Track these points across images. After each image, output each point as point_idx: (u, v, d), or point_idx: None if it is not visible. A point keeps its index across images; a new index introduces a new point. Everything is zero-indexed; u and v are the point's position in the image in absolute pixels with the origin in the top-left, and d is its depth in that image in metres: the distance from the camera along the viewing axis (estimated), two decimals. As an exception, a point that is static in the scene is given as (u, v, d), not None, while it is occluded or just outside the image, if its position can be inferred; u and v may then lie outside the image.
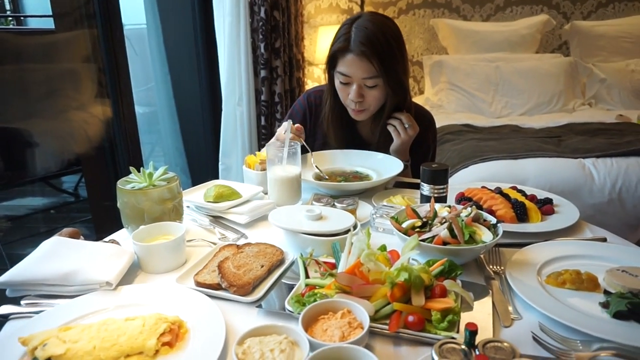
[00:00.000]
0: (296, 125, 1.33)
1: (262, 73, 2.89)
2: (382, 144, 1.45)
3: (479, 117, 3.28)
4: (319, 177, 1.34)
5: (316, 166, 1.35)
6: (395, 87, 1.32)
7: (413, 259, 0.87)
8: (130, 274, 0.89)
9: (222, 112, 2.89)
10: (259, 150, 1.37)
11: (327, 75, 1.40)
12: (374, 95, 1.33)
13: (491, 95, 3.38)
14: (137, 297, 0.80)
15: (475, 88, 3.40)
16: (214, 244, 1.01)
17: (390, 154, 1.43)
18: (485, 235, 0.90)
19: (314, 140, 1.53)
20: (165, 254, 0.90)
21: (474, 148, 2.50)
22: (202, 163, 3.20)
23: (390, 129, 1.39)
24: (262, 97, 2.94)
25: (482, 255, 0.94)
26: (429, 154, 1.53)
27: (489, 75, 3.43)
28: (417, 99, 3.34)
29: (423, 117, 1.48)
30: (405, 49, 1.31)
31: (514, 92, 3.37)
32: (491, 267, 0.91)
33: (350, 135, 1.50)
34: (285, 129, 1.27)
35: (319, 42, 3.37)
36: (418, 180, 1.21)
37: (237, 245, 0.96)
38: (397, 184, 1.40)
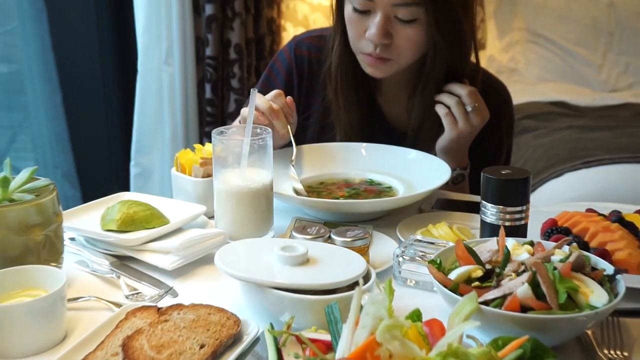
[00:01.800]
0: (285, 98, 1.32)
1: (208, 9, 2.90)
2: (422, 134, 1.46)
3: (579, 90, 3.31)
4: (305, 190, 1.35)
5: (292, 170, 1.36)
6: (448, 30, 1.34)
7: (468, 336, 0.86)
8: (-33, 359, 0.88)
9: (138, 77, 2.89)
10: (201, 142, 1.37)
11: (334, 6, 1.43)
12: (409, 37, 1.35)
13: (601, 53, 3.42)
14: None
15: (574, 41, 3.44)
16: (118, 305, 1.00)
17: (432, 153, 1.44)
18: (595, 296, 0.89)
19: (305, 123, 1.54)
20: (29, 322, 0.89)
21: (571, 143, 2.51)
22: (100, 164, 3.19)
23: (440, 110, 1.40)
24: (208, 51, 2.94)
25: (590, 331, 0.93)
26: (500, 156, 1.55)
27: (597, 19, 3.48)
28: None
29: (494, 95, 1.50)
30: None
31: (640, 49, 3.42)
32: (607, 351, 0.90)
33: (369, 116, 1.52)
34: (270, 95, 1.28)
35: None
36: (477, 198, 1.21)
37: (159, 309, 0.95)
38: (441, 204, 1.40)
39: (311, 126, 1.56)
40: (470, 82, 1.42)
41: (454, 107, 1.38)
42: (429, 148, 1.45)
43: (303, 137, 1.55)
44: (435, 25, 1.32)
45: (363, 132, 1.51)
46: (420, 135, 1.47)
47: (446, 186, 1.39)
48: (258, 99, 1.27)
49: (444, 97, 1.39)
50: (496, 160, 1.53)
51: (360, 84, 1.48)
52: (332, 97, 1.49)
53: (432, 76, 1.40)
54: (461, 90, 1.38)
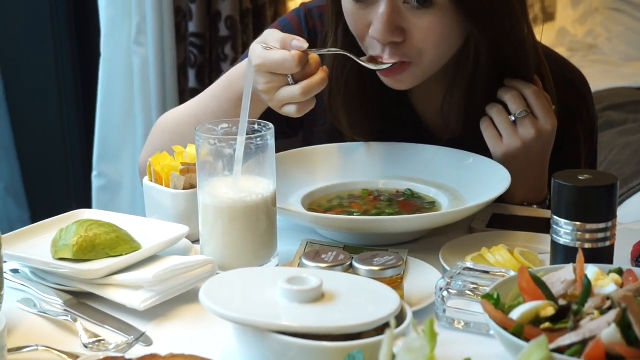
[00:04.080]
0: (299, 43, 1.25)
1: (192, -28, 2.91)
2: (469, 139, 1.46)
3: (679, 72, 3.30)
4: (322, 203, 1.36)
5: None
6: (481, 12, 1.33)
7: (537, 395, 0.85)
8: None
9: (101, 62, 2.90)
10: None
11: None
12: (427, 28, 1.33)
13: None
14: None
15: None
16: (75, 357, 0.99)
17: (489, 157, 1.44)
18: None
19: (313, 116, 1.51)
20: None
21: (670, 141, 2.50)
22: (53, 175, 3.20)
23: (483, 125, 1.41)
24: (192, 27, 2.96)
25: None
26: (579, 161, 1.55)
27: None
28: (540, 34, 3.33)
29: (566, 89, 1.50)
30: None
31: None
32: None
33: (397, 126, 1.53)
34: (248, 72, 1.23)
35: None
36: (547, 214, 1.20)
37: (127, 362, 0.94)
38: (498, 221, 1.40)
39: (320, 120, 1.56)
40: (525, 75, 1.41)
41: (495, 116, 1.39)
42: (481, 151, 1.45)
43: (311, 135, 1.57)
44: (462, 7, 1.31)
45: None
46: (468, 138, 1.46)
47: (509, 199, 1.41)
48: (249, 67, 1.24)
49: (488, 107, 1.40)
50: (575, 166, 1.52)
51: (373, 94, 1.47)
52: (329, 108, 1.48)
53: (472, 76, 1.40)
54: (506, 94, 1.39)
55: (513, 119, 1.38)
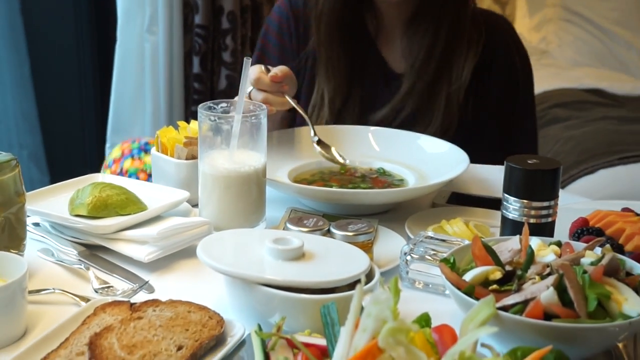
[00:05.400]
0: (278, 68, 1.33)
1: (199, -29, 2.89)
2: (420, 74, 1.53)
3: (618, 76, 3.30)
4: (306, 177, 1.36)
5: (334, 152, 1.39)
6: None
7: (483, 345, 0.85)
8: None
9: (116, 47, 2.88)
10: (187, 121, 1.38)
11: None
12: None
13: (644, 35, 3.41)
14: None
15: (615, 20, 3.44)
16: (85, 300, 1.00)
17: (431, 95, 1.52)
18: (630, 304, 0.88)
19: (301, 81, 1.58)
20: (-15, 315, 0.89)
21: (607, 136, 2.51)
22: (72, 145, 3.19)
23: None
24: (197, 19, 2.94)
25: (621, 344, 0.93)
26: (518, 84, 1.61)
27: (642, -4, 3.47)
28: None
29: (495, 29, 1.61)
30: None
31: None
32: (639, 367, 0.90)
33: (365, 56, 1.59)
34: (252, 75, 1.30)
35: None
36: (498, 194, 1.21)
37: (132, 305, 0.95)
38: (457, 199, 1.41)
39: (304, 84, 1.61)
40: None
41: None
42: (427, 91, 1.53)
43: (301, 98, 1.61)
44: None
45: (359, 76, 1.58)
46: (419, 75, 1.53)
47: None
48: (246, 67, 1.26)
49: None
50: (514, 107, 1.59)
51: (354, 24, 1.55)
52: (319, 40, 1.55)
53: (428, 11, 1.50)
54: None
55: None
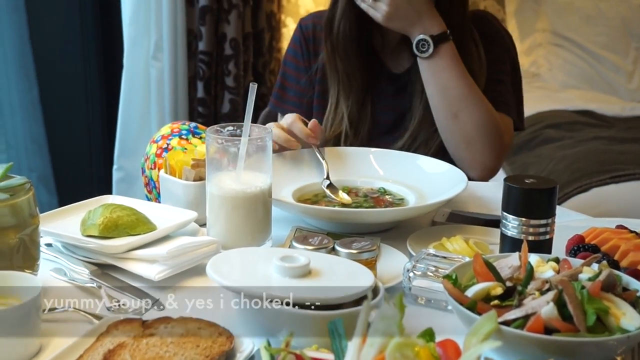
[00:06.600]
0: (311, 122, 1.45)
1: (202, 0, 2.90)
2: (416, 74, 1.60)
3: (607, 98, 3.32)
4: (310, 197, 1.36)
5: (341, 194, 1.40)
6: None
7: (487, 359, 0.85)
8: None
9: (123, 72, 2.89)
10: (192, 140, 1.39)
11: None
12: None
13: (632, 58, 3.43)
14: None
15: (603, 45, 3.45)
16: (98, 317, 1.00)
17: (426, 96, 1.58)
18: (627, 318, 0.89)
19: (312, 92, 1.73)
20: (0, 334, 0.88)
21: (599, 155, 2.51)
22: (80, 167, 3.19)
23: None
24: (201, 46, 2.95)
25: (619, 357, 0.92)
26: (506, 65, 1.71)
27: (629, 20, 3.49)
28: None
29: (483, 20, 1.71)
30: None
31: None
32: (637, 380, 0.90)
33: (372, 67, 1.68)
34: (288, 120, 1.45)
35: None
36: (497, 212, 1.21)
37: (144, 322, 0.95)
38: (456, 217, 1.40)
39: (315, 83, 1.70)
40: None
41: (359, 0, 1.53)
42: (422, 91, 1.58)
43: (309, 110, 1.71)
44: None
45: (368, 84, 1.66)
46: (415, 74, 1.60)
47: (423, 63, 1.54)
48: (275, 128, 1.41)
49: None
50: (499, 76, 1.65)
51: (363, 39, 1.62)
52: (330, 56, 1.63)
53: None
54: None
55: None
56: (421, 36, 1.52)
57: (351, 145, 1.64)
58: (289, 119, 1.45)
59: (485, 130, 1.54)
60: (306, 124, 1.44)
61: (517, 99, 1.69)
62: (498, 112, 1.59)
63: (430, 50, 1.52)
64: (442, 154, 1.57)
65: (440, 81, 1.54)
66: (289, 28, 3.38)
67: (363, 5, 1.52)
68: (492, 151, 1.55)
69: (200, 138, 1.46)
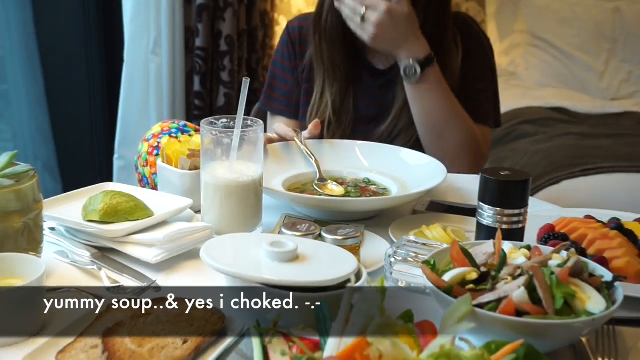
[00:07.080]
0: (314, 121, 1.51)
1: (199, -1, 2.89)
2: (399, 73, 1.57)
3: (580, 96, 3.33)
4: (299, 186, 1.35)
5: (329, 185, 1.40)
6: None
7: (461, 339, 0.86)
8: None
9: (124, 67, 2.87)
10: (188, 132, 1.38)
11: None
12: None
13: (604, 59, 3.44)
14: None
15: (577, 46, 3.46)
16: (99, 298, 0.98)
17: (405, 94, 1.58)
18: (593, 302, 0.89)
19: (299, 89, 1.72)
20: (5, 312, 0.89)
21: (571, 150, 2.52)
22: (83, 155, 3.18)
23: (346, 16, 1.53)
24: (198, 42, 2.94)
25: (585, 339, 0.94)
26: (488, 66, 1.71)
27: (601, 23, 3.50)
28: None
29: (464, 25, 1.69)
30: None
31: (644, 56, 3.42)
32: (601, 359, 0.90)
33: (356, 61, 1.68)
34: (281, 130, 1.51)
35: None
36: (474, 202, 1.21)
37: (141, 303, 0.93)
38: (435, 206, 1.41)
39: (303, 81, 1.71)
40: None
41: (349, 19, 1.51)
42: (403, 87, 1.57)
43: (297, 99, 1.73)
44: None
45: (352, 77, 1.66)
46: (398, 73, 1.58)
47: (409, 86, 1.53)
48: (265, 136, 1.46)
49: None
50: (481, 82, 1.65)
51: (348, 34, 1.60)
52: (326, 50, 1.62)
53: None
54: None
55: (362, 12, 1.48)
56: (409, 62, 1.51)
57: (335, 132, 1.64)
58: (281, 129, 1.51)
59: (468, 148, 1.57)
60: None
61: (494, 100, 1.69)
62: (478, 124, 1.60)
63: (418, 75, 1.51)
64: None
65: (426, 104, 1.54)
66: (281, 26, 3.37)
67: (352, 25, 1.51)
68: (473, 164, 1.59)
69: (190, 135, 1.45)
